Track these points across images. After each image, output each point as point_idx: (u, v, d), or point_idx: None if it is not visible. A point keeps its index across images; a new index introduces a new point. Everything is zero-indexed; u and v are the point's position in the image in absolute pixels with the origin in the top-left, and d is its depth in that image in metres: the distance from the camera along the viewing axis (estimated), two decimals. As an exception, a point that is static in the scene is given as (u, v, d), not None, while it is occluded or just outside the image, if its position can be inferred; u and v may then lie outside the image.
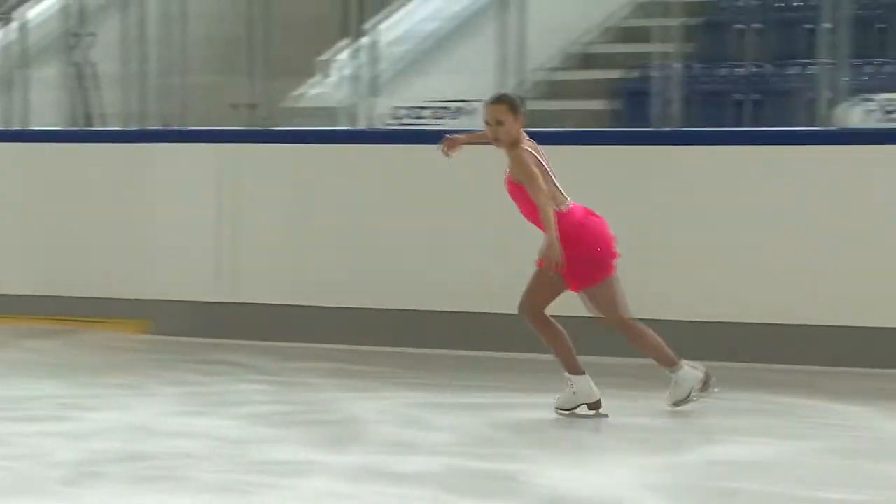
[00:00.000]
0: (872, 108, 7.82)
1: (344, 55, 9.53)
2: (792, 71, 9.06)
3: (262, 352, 8.32)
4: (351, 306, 8.27)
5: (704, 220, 7.61)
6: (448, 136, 5.99)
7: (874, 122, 7.80)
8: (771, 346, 7.56)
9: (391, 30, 9.73)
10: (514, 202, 5.79)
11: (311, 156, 8.62)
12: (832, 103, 7.87)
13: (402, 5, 10.07)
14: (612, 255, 5.74)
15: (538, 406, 7.00)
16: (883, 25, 9.29)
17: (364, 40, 9.11)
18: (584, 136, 8.56)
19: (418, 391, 7.39)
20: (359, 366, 7.96)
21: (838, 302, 7.61)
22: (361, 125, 8.60)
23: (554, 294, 5.81)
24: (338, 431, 6.58)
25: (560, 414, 5.93)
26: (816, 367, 7.49)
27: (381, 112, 8.62)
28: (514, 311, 7.69)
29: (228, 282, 8.46)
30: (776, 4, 9.95)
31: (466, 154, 7.55)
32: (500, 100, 5.74)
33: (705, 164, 7.92)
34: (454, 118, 8.40)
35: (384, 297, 8.23)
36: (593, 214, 5.78)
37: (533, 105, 9.10)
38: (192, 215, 8.42)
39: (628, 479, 5.61)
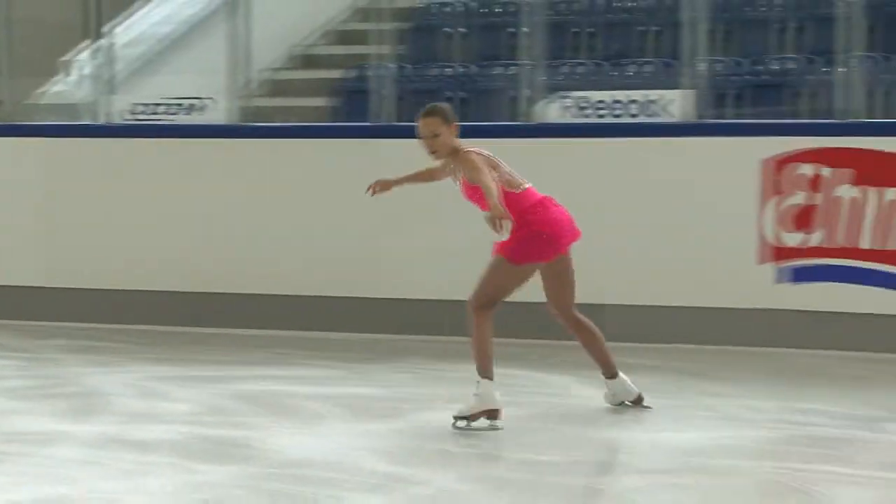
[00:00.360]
0: (568, 104, 8.26)
1: (84, 55, 9.61)
2: (496, 71, 9.55)
3: (11, 330, 8.44)
4: (97, 287, 8.44)
5: (413, 206, 7.80)
6: (379, 179, 5.82)
7: (570, 118, 8.30)
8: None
9: (128, 32, 9.89)
10: (473, 205, 5.68)
11: (53, 148, 8.87)
12: (532, 101, 8.27)
13: (139, 9, 10.14)
14: (564, 242, 5.58)
15: (268, 378, 7.40)
16: (577, 30, 9.90)
17: (103, 42, 9.20)
18: (307, 130, 9.02)
19: (159, 365, 7.59)
20: (104, 342, 8.17)
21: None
22: (101, 120, 8.75)
23: (514, 288, 5.61)
24: (83, 403, 6.77)
25: (457, 427, 5.57)
26: (530, 341, 7.80)
27: (120, 108, 8.76)
28: (254, 290, 8.09)
29: (-24, 264, 8.75)
30: (480, 10, 10.36)
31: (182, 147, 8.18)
32: (431, 113, 5.64)
33: (416, 156, 8.39)
34: (187, 114, 8.68)
35: (128, 278, 8.50)
36: (554, 203, 5.66)
37: (259, 102, 9.39)
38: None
39: (350, 443, 5.97)
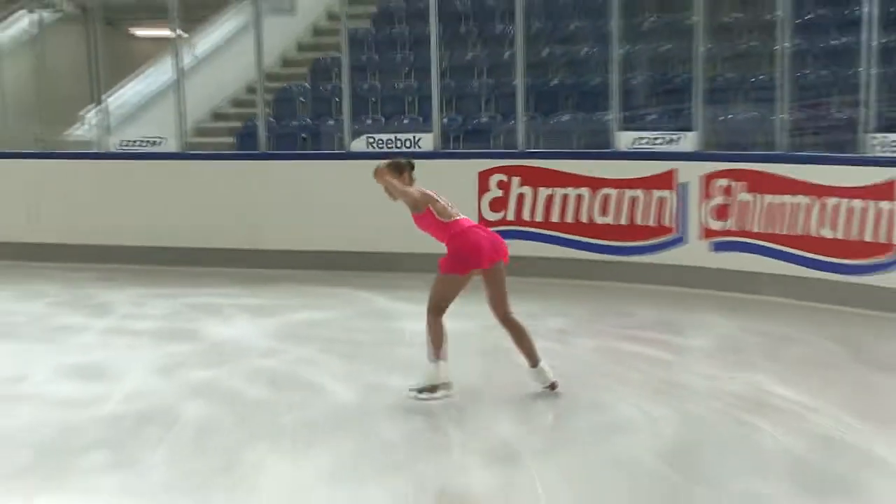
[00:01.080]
0: (370, 140, 10.15)
1: (91, 112, 11.93)
2: (329, 122, 11.45)
3: (57, 270, 10.37)
4: (106, 244, 10.68)
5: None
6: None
7: (369, 149, 10.08)
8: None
9: (117, 99, 12.31)
10: (429, 235, 5.88)
11: (74, 167, 11.27)
12: (348, 138, 10.18)
13: (122, 86, 12.50)
14: (482, 261, 5.69)
15: (206, 295, 9.23)
16: (374, 99, 11.62)
17: (102, 105, 11.73)
18: (221, 155, 11.43)
19: (143, 288, 9.51)
20: (111, 276, 10.13)
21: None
22: (102, 150, 11.44)
23: (454, 294, 5.72)
24: (99, 309, 8.73)
25: (411, 397, 5.77)
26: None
27: (113, 143, 11.36)
28: (196, 245, 10.36)
29: None
30: (318, 88, 12.39)
31: None
32: (386, 166, 5.83)
33: (288, 172, 10.40)
34: (152, 146, 11.02)
35: (124, 237, 10.66)
36: (480, 228, 5.91)
37: (192, 140, 11.27)
38: None
39: (252, 331, 7.90)
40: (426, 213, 5.72)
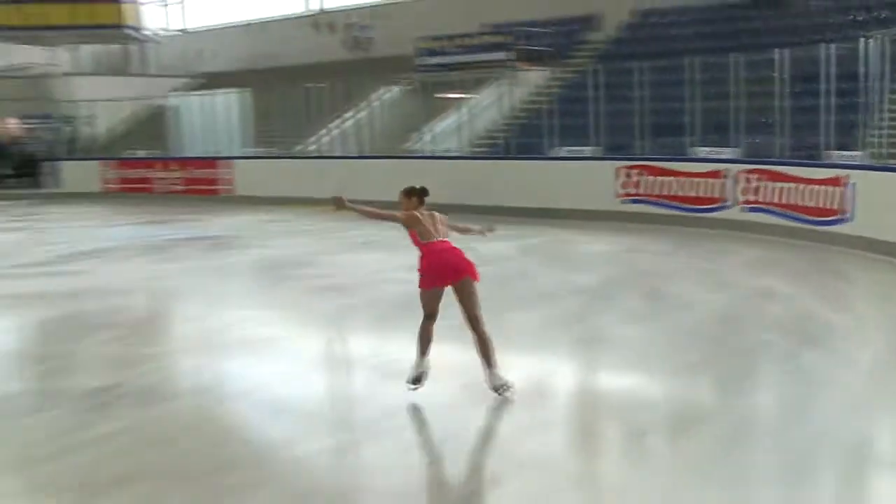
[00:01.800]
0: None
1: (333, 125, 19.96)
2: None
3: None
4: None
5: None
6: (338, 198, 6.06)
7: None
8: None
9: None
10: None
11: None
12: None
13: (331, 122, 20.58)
14: (442, 280, 5.84)
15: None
16: None
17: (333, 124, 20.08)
18: None
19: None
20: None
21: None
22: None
23: (427, 305, 5.96)
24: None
25: (409, 387, 6.08)
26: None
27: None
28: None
29: None
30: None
31: None
32: (401, 191, 6.06)
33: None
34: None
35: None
36: (446, 251, 5.86)
37: None
38: None
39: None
40: (411, 233, 5.88)
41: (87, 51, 32.29)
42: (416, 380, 5.98)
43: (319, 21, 28.92)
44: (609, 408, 6.25)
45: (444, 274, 5.77)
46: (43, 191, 25.40)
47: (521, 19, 21.91)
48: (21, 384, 7.22)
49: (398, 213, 5.94)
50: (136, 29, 30.82)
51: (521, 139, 18.50)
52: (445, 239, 5.85)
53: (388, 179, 17.96)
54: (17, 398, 6.75)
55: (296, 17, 30.07)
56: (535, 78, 19.96)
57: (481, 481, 5.03)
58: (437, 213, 6.03)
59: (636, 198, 15.56)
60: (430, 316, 5.90)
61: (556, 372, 7.00)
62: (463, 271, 5.76)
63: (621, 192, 15.64)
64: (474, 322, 5.85)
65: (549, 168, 16.71)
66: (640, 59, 16.94)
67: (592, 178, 15.92)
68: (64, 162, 26.23)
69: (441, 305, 6.03)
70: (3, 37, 29.19)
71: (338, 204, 5.94)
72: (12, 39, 29.59)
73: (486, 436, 5.67)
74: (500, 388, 5.88)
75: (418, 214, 5.88)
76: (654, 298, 9.45)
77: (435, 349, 6.13)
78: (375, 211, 5.97)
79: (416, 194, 6.01)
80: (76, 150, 27.33)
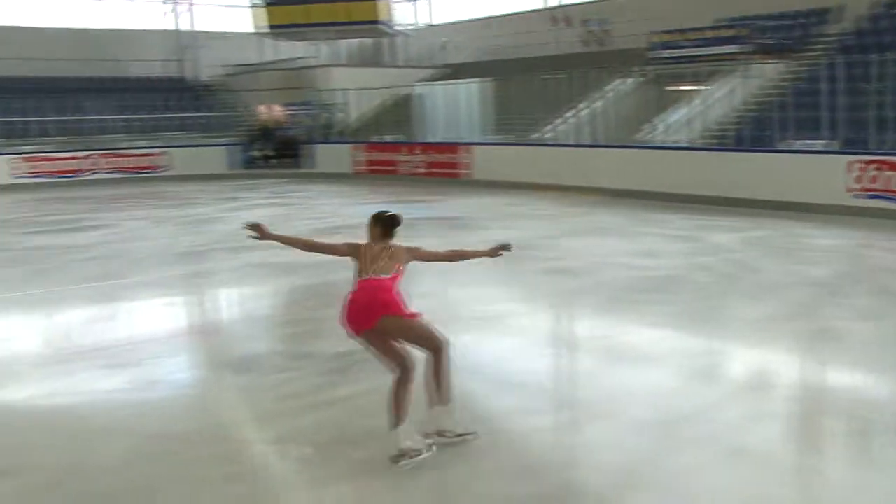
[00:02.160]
0: None
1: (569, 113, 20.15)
2: None
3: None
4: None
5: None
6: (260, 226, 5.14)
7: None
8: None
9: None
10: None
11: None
12: None
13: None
14: (353, 324, 4.92)
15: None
16: None
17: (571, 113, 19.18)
18: None
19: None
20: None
21: None
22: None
23: (389, 341, 5.02)
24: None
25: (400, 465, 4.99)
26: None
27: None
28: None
29: None
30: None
31: None
32: (371, 217, 5.27)
33: None
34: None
35: None
36: (365, 290, 4.94)
37: None
38: None
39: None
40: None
41: (344, 45, 34.16)
42: (400, 456, 4.86)
43: (557, 15, 29.41)
44: (834, 404, 6.07)
45: (346, 317, 4.92)
46: (301, 170, 27.07)
47: (754, 13, 21.64)
48: (272, 345, 7.71)
49: (338, 245, 5.16)
50: (388, 24, 32.28)
51: (752, 131, 18.09)
52: (380, 277, 4.95)
53: (620, 168, 18.50)
54: (268, 358, 7.17)
55: (534, 12, 30.74)
56: (768, 70, 19.49)
57: (695, 465, 4.96)
58: (398, 246, 5.20)
59: (871, 193, 14.73)
60: (400, 370, 4.92)
61: (783, 364, 6.90)
62: (374, 312, 4.82)
63: (854, 186, 14.86)
64: (431, 346, 5.01)
65: (779, 160, 16.21)
66: (882, 50, 16.32)
67: (823, 172, 15.32)
68: (320, 145, 27.85)
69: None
70: (274, 34, 31.44)
71: (260, 232, 5.09)
72: (281, 36, 31.82)
73: (709, 421, 5.61)
74: (444, 433, 5.06)
75: (362, 247, 5.09)
76: (887, 295, 9.01)
77: (656, 335, 6.29)
78: (304, 240, 5.31)
79: (380, 223, 5.20)
80: (331, 134, 28.95)
